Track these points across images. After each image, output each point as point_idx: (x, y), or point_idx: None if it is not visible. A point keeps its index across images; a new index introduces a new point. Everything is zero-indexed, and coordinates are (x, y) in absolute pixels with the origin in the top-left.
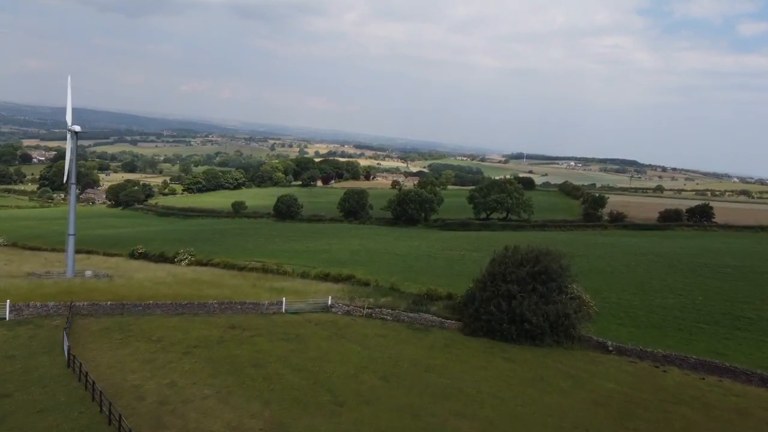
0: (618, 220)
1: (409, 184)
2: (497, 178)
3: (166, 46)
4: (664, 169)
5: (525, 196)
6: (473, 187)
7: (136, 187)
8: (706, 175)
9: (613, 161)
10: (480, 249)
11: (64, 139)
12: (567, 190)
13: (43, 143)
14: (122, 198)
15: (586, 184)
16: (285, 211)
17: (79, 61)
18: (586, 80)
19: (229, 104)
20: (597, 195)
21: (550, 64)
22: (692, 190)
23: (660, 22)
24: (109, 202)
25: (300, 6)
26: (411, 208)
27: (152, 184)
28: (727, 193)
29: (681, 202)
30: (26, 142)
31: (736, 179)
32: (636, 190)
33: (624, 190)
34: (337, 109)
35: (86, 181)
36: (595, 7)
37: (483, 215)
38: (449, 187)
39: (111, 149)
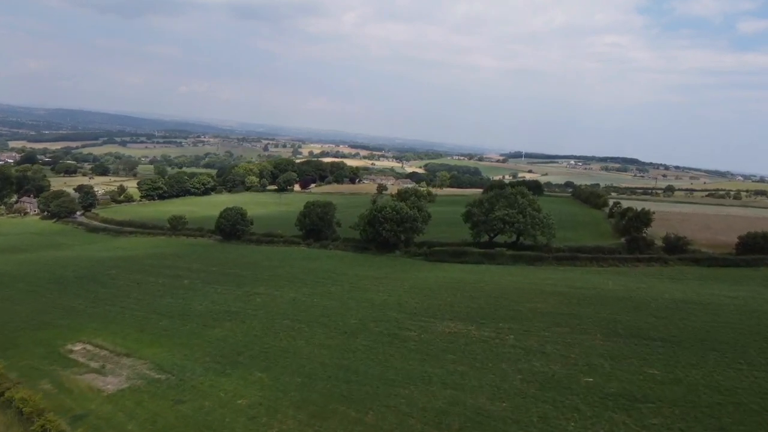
0: (679, 249)
1: (396, 189)
2: (496, 178)
3: (165, 47)
4: (666, 168)
5: (543, 213)
6: (471, 190)
7: (77, 193)
8: (708, 173)
9: (613, 159)
10: (483, 313)
11: (53, 140)
12: (584, 196)
13: (29, 145)
14: (53, 208)
15: (589, 183)
16: (229, 229)
17: (79, 63)
18: (586, 79)
19: (229, 105)
20: (639, 210)
21: (550, 63)
22: (702, 190)
23: (660, 21)
24: (43, 213)
25: (300, 7)
26: (386, 230)
27: (106, 189)
28: (743, 194)
29: (736, 211)
30: (12, 144)
31: (740, 177)
32: (645, 191)
33: (632, 192)
34: (337, 110)
35: (27, 188)
36: (595, 6)
37: (485, 237)
38: (445, 189)
39: (99, 150)
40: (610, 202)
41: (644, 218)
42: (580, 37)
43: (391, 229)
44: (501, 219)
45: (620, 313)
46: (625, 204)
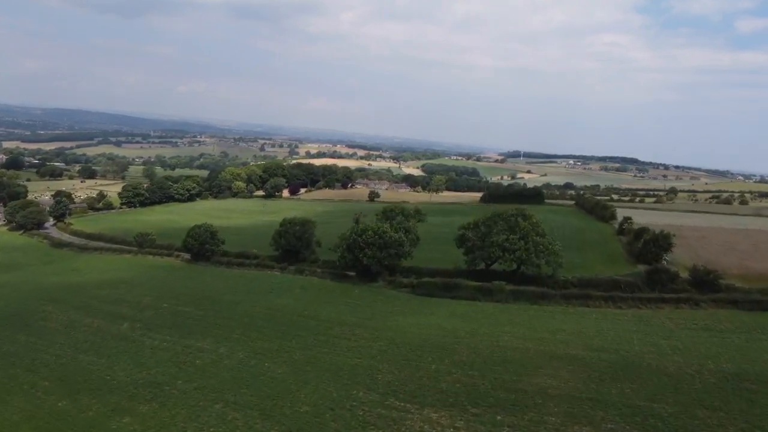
0: (709, 284)
1: (389, 194)
2: (494, 179)
3: (165, 47)
4: (666, 167)
5: (547, 238)
6: (468, 193)
7: (51, 200)
8: (708, 172)
9: (612, 159)
10: (476, 393)
11: (48, 140)
12: (588, 206)
13: (23, 145)
14: (19, 220)
15: (588, 184)
16: (197, 249)
17: (78, 62)
18: (586, 79)
19: (228, 105)
20: (658, 232)
21: (549, 63)
22: (705, 191)
23: (658, 20)
24: (10, 224)
25: (300, 7)
26: (367, 256)
27: (87, 195)
28: (747, 196)
29: (754, 223)
30: (6, 144)
31: (740, 177)
32: (647, 192)
33: (635, 194)
34: (337, 110)
35: (0, 195)
36: (594, 6)
37: (481, 265)
38: (441, 192)
39: (93, 151)
40: (619, 215)
41: (663, 243)
42: (579, 37)
43: (373, 255)
44: (500, 245)
45: (657, 398)
46: (630, 213)
